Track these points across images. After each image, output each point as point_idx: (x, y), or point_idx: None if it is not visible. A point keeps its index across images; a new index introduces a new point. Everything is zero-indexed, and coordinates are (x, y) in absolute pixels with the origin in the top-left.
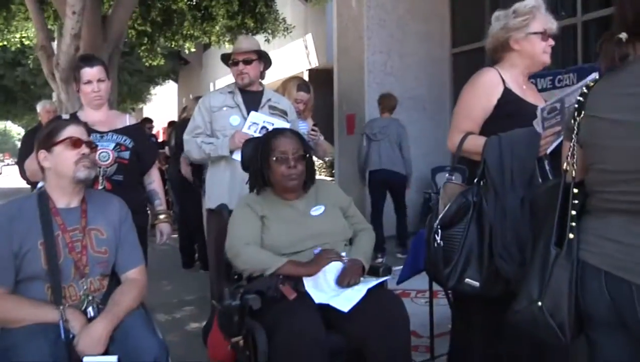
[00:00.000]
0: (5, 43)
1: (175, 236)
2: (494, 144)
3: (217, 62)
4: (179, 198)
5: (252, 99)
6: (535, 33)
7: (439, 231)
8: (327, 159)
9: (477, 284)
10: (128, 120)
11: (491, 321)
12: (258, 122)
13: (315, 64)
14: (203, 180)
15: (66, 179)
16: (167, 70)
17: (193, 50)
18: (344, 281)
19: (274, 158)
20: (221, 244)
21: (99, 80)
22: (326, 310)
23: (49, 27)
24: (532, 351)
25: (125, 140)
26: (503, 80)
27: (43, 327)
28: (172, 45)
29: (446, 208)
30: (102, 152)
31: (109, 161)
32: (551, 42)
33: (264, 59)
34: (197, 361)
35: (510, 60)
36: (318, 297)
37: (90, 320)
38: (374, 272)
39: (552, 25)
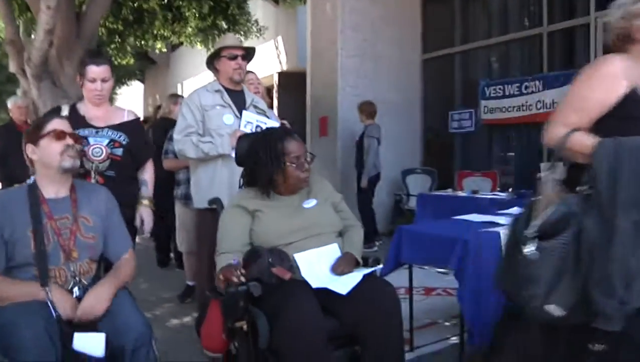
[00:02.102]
0: None
1: (147, 235)
2: (609, 149)
3: (184, 63)
4: (156, 197)
5: (238, 98)
6: None
7: (535, 240)
8: None
9: (561, 312)
10: (126, 115)
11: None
12: (252, 121)
13: (285, 66)
14: (177, 181)
15: (53, 169)
16: (134, 70)
17: (164, 50)
18: (339, 268)
19: (290, 163)
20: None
21: (103, 80)
22: (321, 296)
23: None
24: None
25: (120, 136)
26: (630, 75)
27: (37, 305)
28: (142, 45)
29: (547, 215)
30: (95, 148)
31: (102, 157)
32: None
33: (249, 58)
34: (179, 355)
35: (636, 53)
36: (315, 282)
37: (77, 299)
38: (364, 262)
39: None
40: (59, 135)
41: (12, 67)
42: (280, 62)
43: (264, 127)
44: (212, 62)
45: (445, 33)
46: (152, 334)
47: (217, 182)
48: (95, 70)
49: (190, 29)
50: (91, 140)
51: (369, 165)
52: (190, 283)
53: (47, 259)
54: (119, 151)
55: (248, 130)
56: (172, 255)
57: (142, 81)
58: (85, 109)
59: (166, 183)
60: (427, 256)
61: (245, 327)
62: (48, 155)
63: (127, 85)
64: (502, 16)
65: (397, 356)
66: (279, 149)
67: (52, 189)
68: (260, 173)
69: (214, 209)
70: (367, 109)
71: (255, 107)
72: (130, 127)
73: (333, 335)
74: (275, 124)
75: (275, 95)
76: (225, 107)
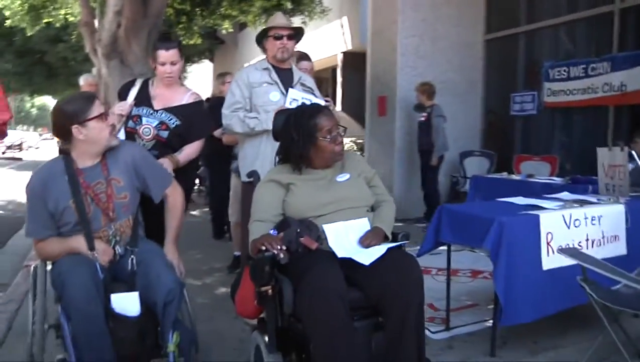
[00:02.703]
0: (51, 20)
1: (206, 209)
2: None
3: (252, 43)
4: (211, 172)
5: (286, 76)
6: None
7: None
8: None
9: None
10: (187, 98)
11: None
12: (297, 98)
13: (349, 46)
14: (234, 155)
15: (99, 146)
16: (203, 49)
17: (230, 30)
18: (366, 241)
19: (323, 137)
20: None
21: (172, 63)
22: (346, 268)
23: (91, 4)
24: None
25: (170, 119)
26: None
27: (85, 260)
28: (210, 25)
29: None
30: (145, 128)
31: (149, 137)
32: None
33: (297, 38)
34: (224, 319)
35: None
36: (340, 253)
37: (119, 257)
38: (393, 238)
39: None
40: (104, 117)
41: (87, 48)
42: (345, 42)
43: (308, 103)
44: (261, 41)
45: (509, 12)
46: (182, 289)
47: (261, 157)
48: (165, 55)
49: (255, 9)
50: (144, 120)
51: (439, 144)
52: (237, 254)
53: (90, 226)
54: (165, 134)
55: (293, 107)
56: (226, 228)
57: (212, 60)
58: (155, 87)
59: (221, 157)
60: (464, 236)
61: (270, 292)
62: (98, 135)
63: (198, 63)
64: None
65: (417, 325)
66: (310, 125)
67: (89, 160)
68: (293, 150)
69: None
70: (429, 90)
71: (303, 85)
72: (187, 110)
73: (357, 305)
74: (321, 101)
75: (339, 74)
76: (272, 85)
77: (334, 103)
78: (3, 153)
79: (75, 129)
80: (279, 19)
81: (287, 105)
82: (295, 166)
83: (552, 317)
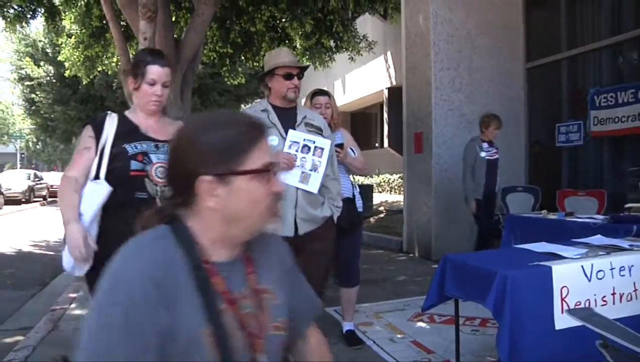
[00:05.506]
0: (104, 68)
1: None
2: None
3: (304, 79)
4: None
5: (287, 116)
6: None
7: None
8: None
9: None
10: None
11: None
12: (298, 140)
13: (394, 81)
14: None
15: (240, 230)
16: (255, 89)
17: None
18: None
19: None
20: None
21: (164, 85)
22: None
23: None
24: None
25: None
26: None
27: None
28: (254, 66)
29: None
30: (158, 167)
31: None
32: None
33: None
34: None
35: None
36: None
37: None
38: None
39: None
40: (270, 174)
41: (125, 93)
42: (390, 77)
43: (311, 146)
44: (263, 79)
45: (550, 38)
46: None
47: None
48: (158, 72)
49: (298, 47)
50: (153, 157)
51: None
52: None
53: None
54: None
55: (293, 151)
56: None
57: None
58: (137, 118)
59: None
60: (469, 291)
61: None
62: (247, 207)
63: (250, 104)
64: (613, 14)
65: None
66: None
67: (224, 251)
68: None
69: None
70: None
71: (308, 124)
72: None
73: None
74: (327, 142)
75: (385, 111)
76: (270, 128)
77: (381, 139)
78: None
79: (206, 183)
80: (287, 56)
81: (287, 150)
82: None
83: None
